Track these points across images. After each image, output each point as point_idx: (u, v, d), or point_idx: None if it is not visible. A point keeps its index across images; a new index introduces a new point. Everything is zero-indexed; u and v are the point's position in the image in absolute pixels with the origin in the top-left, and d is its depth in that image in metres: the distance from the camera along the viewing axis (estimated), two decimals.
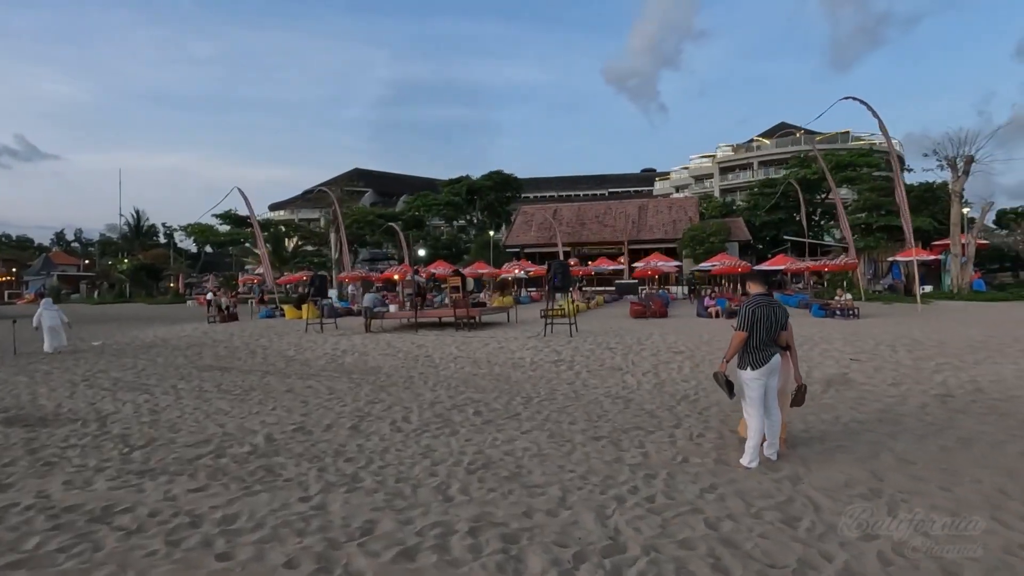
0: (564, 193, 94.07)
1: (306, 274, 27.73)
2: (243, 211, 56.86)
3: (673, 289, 33.77)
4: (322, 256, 48.28)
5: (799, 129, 68.84)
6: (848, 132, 62.90)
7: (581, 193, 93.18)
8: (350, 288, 27.41)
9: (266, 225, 58.70)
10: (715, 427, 5.91)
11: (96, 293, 54.59)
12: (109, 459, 4.96)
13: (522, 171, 58.60)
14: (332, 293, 28.83)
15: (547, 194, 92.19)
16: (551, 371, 9.51)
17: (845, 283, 29.81)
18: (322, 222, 69.09)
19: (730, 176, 69.19)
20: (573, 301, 21.33)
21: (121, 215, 67.50)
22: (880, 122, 17.93)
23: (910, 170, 43.67)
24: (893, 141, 58.96)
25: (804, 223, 30.07)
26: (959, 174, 24.28)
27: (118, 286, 51.91)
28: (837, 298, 16.71)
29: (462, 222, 55.83)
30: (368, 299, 14.97)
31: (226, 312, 20.81)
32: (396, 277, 21.01)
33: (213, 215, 55.46)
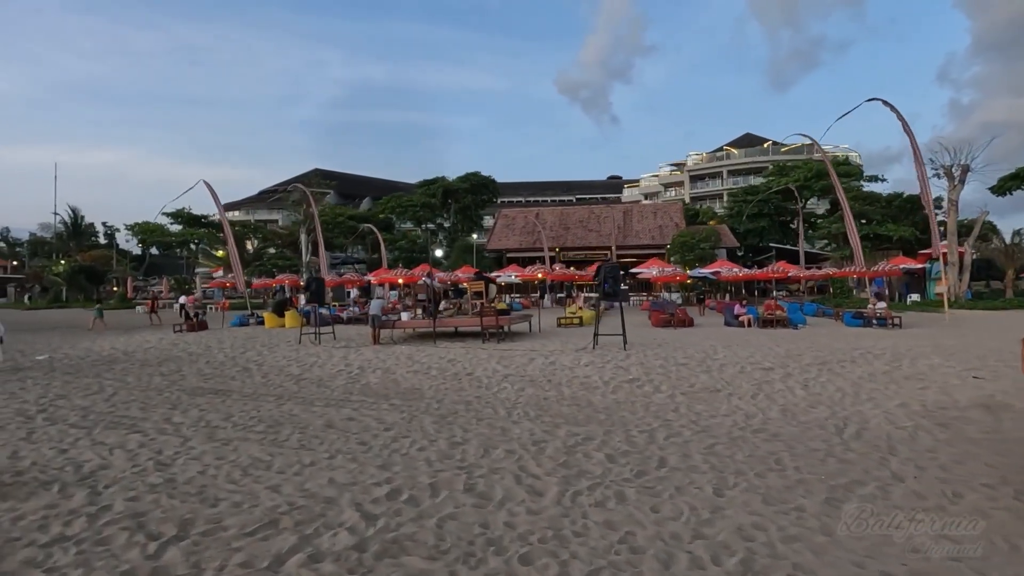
0: (531, 198, 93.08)
1: (290, 278, 25.15)
2: (197, 210, 53.21)
3: (662, 295, 32.94)
4: (286, 258, 45.19)
5: (765, 140, 70.29)
6: (812, 144, 64.49)
7: (548, 199, 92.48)
8: (351, 293, 25.03)
9: (222, 225, 54.89)
10: (948, 479, 4.49)
11: (27, 297, 49.36)
12: (130, 568, 3.05)
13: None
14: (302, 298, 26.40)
15: (514, 199, 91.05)
16: (636, 393, 7.96)
17: (843, 290, 29.66)
18: (280, 222, 65.46)
19: (699, 184, 69.83)
20: (580, 308, 19.91)
21: (56, 213, 61.52)
22: (906, 125, 17.39)
23: (884, 179, 44.71)
24: (853, 154, 60.64)
25: (800, 230, 29.72)
26: (955, 183, 24.34)
27: (53, 290, 47.01)
28: (871, 306, 15.95)
29: (431, 226, 53.62)
30: (375, 306, 13.02)
31: (195, 320, 18.27)
32: (400, 281, 18.97)
33: (164, 213, 51.38)
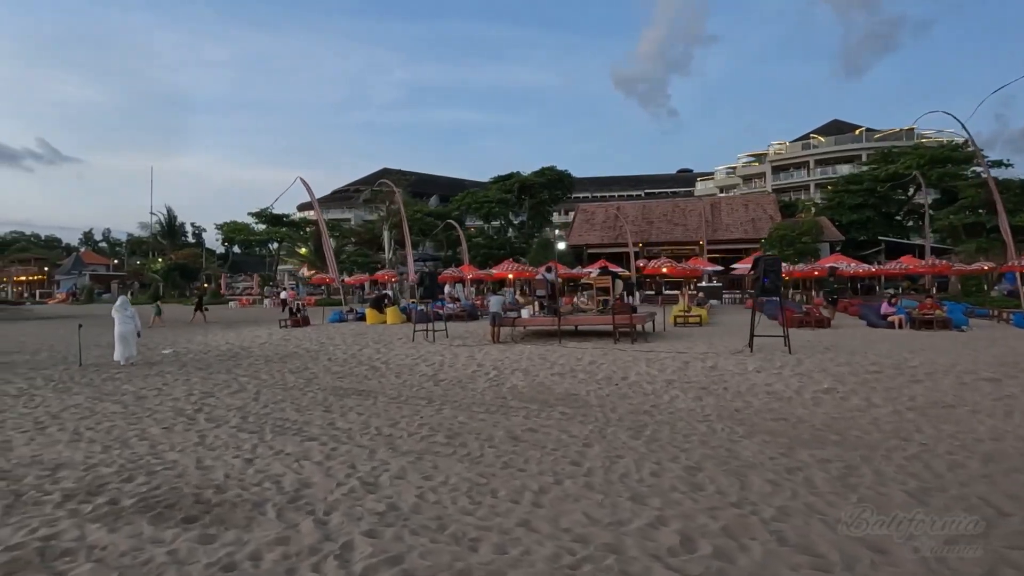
0: (598, 194, 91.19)
1: (389, 272, 25.10)
2: (278, 210, 55.09)
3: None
4: (364, 255, 45.91)
5: (856, 126, 65.33)
6: (913, 129, 59.21)
7: (615, 194, 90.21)
8: (456, 288, 24.73)
9: (302, 224, 56.69)
10: None
11: (129, 293, 52.78)
12: None
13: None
14: (391, 293, 26.33)
15: (580, 195, 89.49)
16: (845, 407, 6.72)
17: (978, 288, 26.59)
18: (352, 221, 67.00)
19: (782, 175, 65.78)
20: (688, 307, 18.51)
21: (153, 213, 65.72)
22: None
23: (1009, 164, 40.18)
24: (959, 139, 55.12)
25: (927, 222, 26.75)
26: None
27: (152, 286, 50.00)
28: None
29: (499, 222, 52.77)
30: (495, 302, 12.31)
31: (298, 316, 18.31)
32: (511, 276, 18.31)
33: (249, 213, 53.62)
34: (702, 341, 11.94)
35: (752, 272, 10.63)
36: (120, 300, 11.30)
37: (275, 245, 60.22)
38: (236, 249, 67.85)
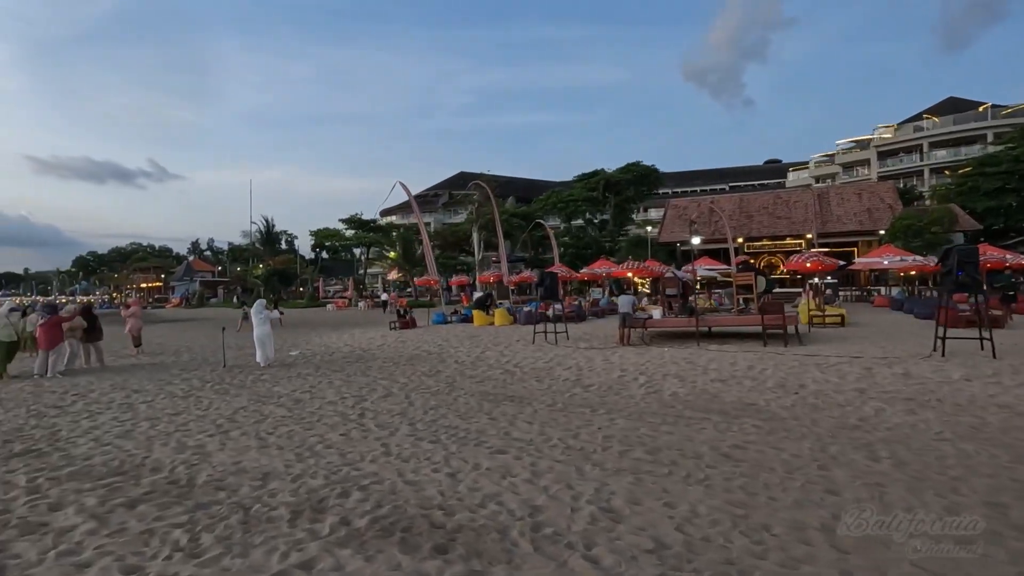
0: (678, 189, 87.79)
1: (494, 274, 25.08)
2: (366, 216, 57.20)
3: (885, 290, 28.12)
4: (449, 258, 46.56)
5: (979, 103, 58.56)
6: None
7: (698, 188, 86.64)
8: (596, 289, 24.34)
9: (388, 229, 58.52)
10: None
11: (235, 298, 56.58)
12: None
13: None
14: (476, 294, 26.20)
15: (659, 191, 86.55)
16: None
17: None
18: (432, 226, 68.42)
19: (889, 161, 60.17)
20: (820, 305, 16.89)
21: (253, 222, 70.58)
22: None
23: None
24: None
25: None
26: None
27: (255, 291, 53.29)
28: None
29: (581, 221, 51.76)
30: (624, 302, 11.61)
31: (407, 317, 18.45)
32: (630, 275, 17.66)
33: (340, 220, 55.99)
34: (867, 343, 10.64)
35: (941, 265, 9.26)
36: (256, 304, 11.61)
37: (359, 250, 62.64)
38: (324, 255, 71.34)
